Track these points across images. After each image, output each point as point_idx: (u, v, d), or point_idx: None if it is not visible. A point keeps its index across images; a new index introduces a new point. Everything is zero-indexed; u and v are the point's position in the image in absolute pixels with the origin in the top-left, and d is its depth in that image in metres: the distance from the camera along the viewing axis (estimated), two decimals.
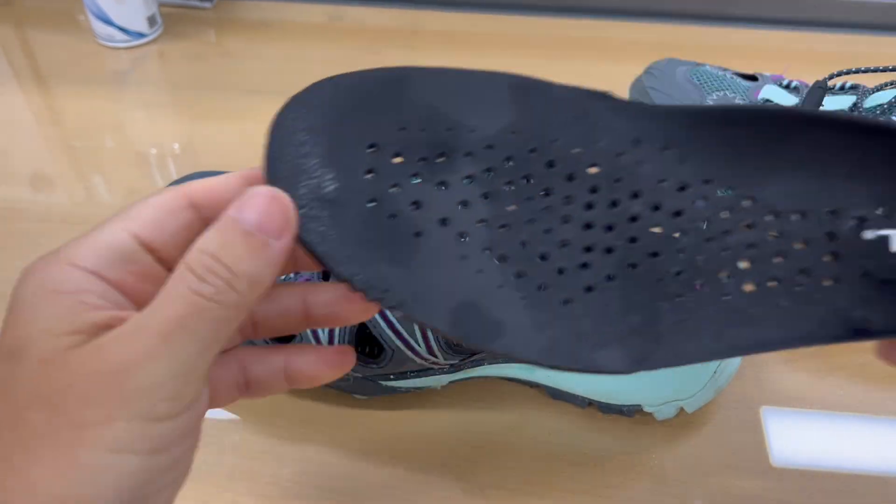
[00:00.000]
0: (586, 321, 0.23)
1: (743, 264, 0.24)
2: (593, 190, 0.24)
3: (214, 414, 0.38)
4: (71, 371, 0.18)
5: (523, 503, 0.35)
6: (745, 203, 0.24)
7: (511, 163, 0.24)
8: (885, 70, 0.47)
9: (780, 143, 0.23)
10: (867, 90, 0.46)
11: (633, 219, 0.24)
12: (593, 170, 0.24)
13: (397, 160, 0.23)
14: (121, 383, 0.18)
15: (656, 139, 0.24)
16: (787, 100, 0.48)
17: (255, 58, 0.64)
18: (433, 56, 0.66)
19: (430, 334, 0.34)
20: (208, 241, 0.20)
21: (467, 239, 0.23)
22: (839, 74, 0.47)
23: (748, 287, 0.23)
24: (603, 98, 0.24)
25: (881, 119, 0.23)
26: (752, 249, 0.24)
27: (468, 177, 0.24)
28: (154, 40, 0.66)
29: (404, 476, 0.36)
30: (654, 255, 0.24)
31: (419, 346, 0.34)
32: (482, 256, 0.23)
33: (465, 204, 0.24)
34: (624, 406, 0.37)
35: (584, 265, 0.24)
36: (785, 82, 0.50)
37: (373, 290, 0.22)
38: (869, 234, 0.23)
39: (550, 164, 0.24)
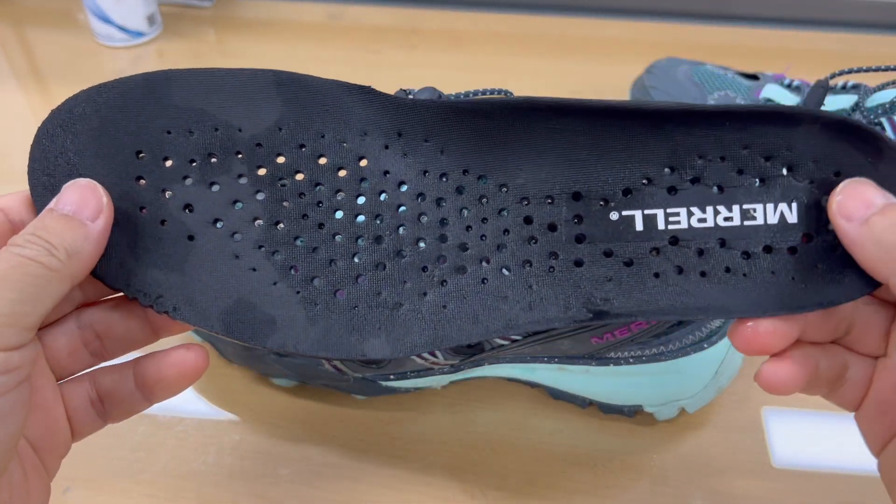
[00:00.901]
0: (357, 311, 0.24)
1: (499, 249, 0.25)
2: (362, 181, 0.25)
3: (214, 415, 0.38)
4: None
5: None
6: (500, 190, 0.25)
7: (281, 159, 0.24)
8: (886, 69, 0.46)
9: (525, 133, 0.24)
10: (869, 89, 0.46)
11: (400, 208, 0.25)
12: (363, 163, 0.25)
13: (167, 164, 0.24)
14: None
15: (418, 132, 0.25)
16: (789, 99, 0.48)
17: (254, 57, 0.64)
18: (433, 55, 0.66)
19: None
20: (29, 226, 0.22)
21: (240, 238, 0.24)
22: (841, 74, 0.47)
23: (504, 271, 0.24)
24: (366, 92, 0.25)
25: (613, 101, 0.24)
26: (507, 235, 0.25)
27: (240, 176, 0.24)
28: (153, 39, 0.66)
29: (404, 477, 0.36)
30: (419, 243, 0.25)
31: None
32: (256, 254, 0.24)
33: (237, 203, 0.24)
34: (625, 406, 0.37)
35: (355, 255, 0.24)
36: (786, 81, 0.50)
37: (145, 297, 0.23)
38: (614, 216, 0.24)
39: (320, 158, 0.25)
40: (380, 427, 0.38)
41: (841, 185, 0.22)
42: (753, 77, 0.52)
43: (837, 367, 0.24)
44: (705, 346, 0.35)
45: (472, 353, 0.35)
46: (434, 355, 0.34)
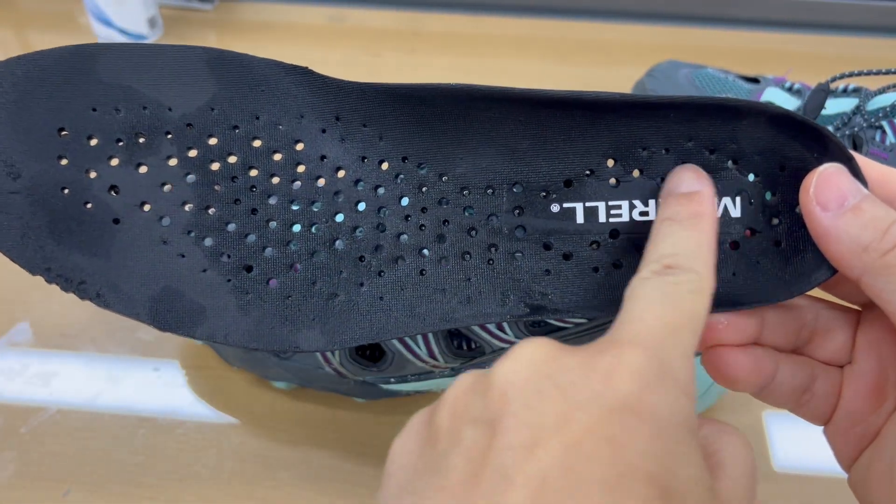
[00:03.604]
0: (290, 301, 0.23)
1: (438, 240, 0.24)
2: (298, 165, 0.24)
3: (214, 418, 0.38)
4: None
5: None
6: (440, 179, 0.24)
7: (213, 140, 0.23)
8: (888, 72, 0.46)
9: (465, 121, 0.24)
10: (870, 93, 0.46)
11: (336, 194, 0.24)
12: (299, 147, 0.24)
13: (91, 143, 0.23)
14: None
15: (356, 116, 0.24)
16: (790, 102, 0.48)
17: None
18: (434, 58, 0.66)
19: (430, 337, 0.34)
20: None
21: (168, 222, 0.23)
22: (842, 77, 0.47)
23: (442, 262, 0.24)
24: (304, 74, 0.24)
25: (553, 90, 0.23)
26: (447, 225, 0.24)
27: (169, 157, 0.23)
28: (154, 42, 0.66)
29: None
30: (356, 231, 0.24)
31: (420, 349, 0.34)
32: (185, 239, 0.23)
33: (166, 185, 0.23)
34: None
35: (289, 242, 0.24)
36: (787, 85, 0.50)
37: (67, 282, 0.22)
38: (555, 207, 0.24)
39: (254, 140, 0.24)
40: (380, 430, 0.37)
41: (816, 173, 0.21)
42: (754, 80, 0.52)
43: (803, 377, 0.23)
44: None
45: (472, 355, 0.35)
46: (434, 358, 0.34)
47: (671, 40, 0.69)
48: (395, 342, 0.34)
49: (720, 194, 0.23)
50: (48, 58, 0.23)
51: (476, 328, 0.33)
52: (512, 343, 0.34)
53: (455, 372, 0.36)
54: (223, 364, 0.39)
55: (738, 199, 0.23)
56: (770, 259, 0.23)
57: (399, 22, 0.71)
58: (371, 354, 0.36)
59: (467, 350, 0.35)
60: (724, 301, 0.23)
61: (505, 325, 0.33)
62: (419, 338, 0.34)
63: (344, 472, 0.36)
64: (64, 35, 0.68)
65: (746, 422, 0.38)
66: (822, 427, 0.25)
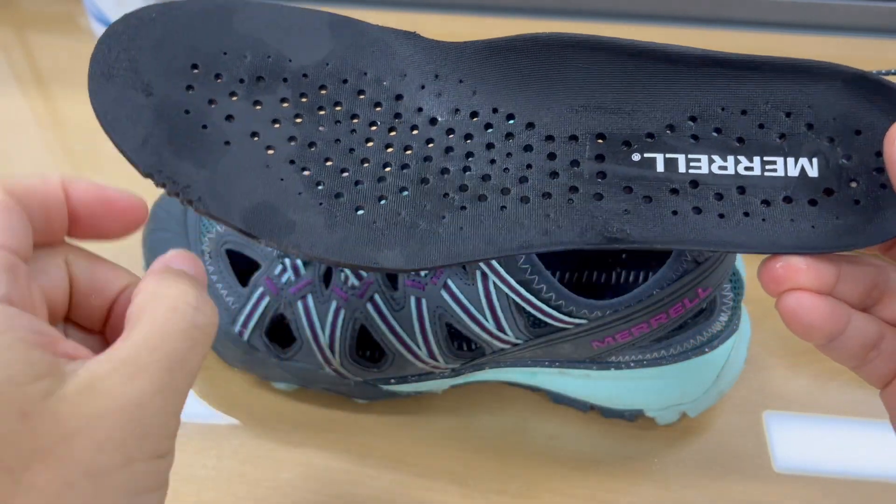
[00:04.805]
0: (375, 226, 0.25)
1: (521, 182, 0.26)
2: (396, 116, 0.26)
3: (214, 419, 0.38)
4: (67, 419, 0.17)
5: None
6: (527, 129, 0.26)
7: (324, 91, 0.26)
8: (888, 73, 0.46)
9: (555, 71, 0.26)
10: None
11: (429, 141, 0.26)
12: (399, 100, 0.26)
13: (218, 81, 0.25)
14: (137, 422, 0.18)
15: (453, 73, 0.26)
16: None
17: None
18: None
19: (430, 338, 0.34)
20: (186, 279, 0.22)
21: (274, 152, 0.25)
22: None
23: (523, 201, 0.25)
24: (410, 37, 0.27)
25: (640, 41, 0.25)
26: (530, 169, 0.26)
27: (283, 99, 0.26)
28: None
29: (405, 481, 0.35)
30: (444, 172, 0.26)
31: (420, 350, 0.34)
32: (286, 167, 0.25)
33: (276, 122, 0.26)
34: (626, 411, 0.37)
35: (381, 179, 0.26)
36: None
37: (174, 184, 0.24)
38: (636, 157, 0.25)
39: (360, 93, 0.26)
40: (380, 431, 0.38)
41: None
42: None
43: (872, 334, 0.24)
44: (707, 350, 0.35)
45: (472, 356, 0.35)
46: (435, 359, 0.34)
47: (671, 41, 0.69)
48: (396, 343, 0.34)
49: (797, 156, 0.24)
50: (195, 5, 0.26)
51: (476, 329, 0.33)
52: (513, 343, 0.34)
53: (455, 373, 0.36)
54: (223, 365, 0.40)
55: (814, 160, 0.24)
56: (849, 215, 0.24)
57: (400, 22, 0.71)
58: (371, 355, 0.36)
59: (467, 350, 0.35)
60: (803, 247, 0.24)
61: (505, 325, 0.33)
62: (419, 338, 0.34)
63: (344, 473, 0.36)
64: (64, 36, 0.68)
65: (747, 422, 0.38)
66: (880, 391, 0.25)
